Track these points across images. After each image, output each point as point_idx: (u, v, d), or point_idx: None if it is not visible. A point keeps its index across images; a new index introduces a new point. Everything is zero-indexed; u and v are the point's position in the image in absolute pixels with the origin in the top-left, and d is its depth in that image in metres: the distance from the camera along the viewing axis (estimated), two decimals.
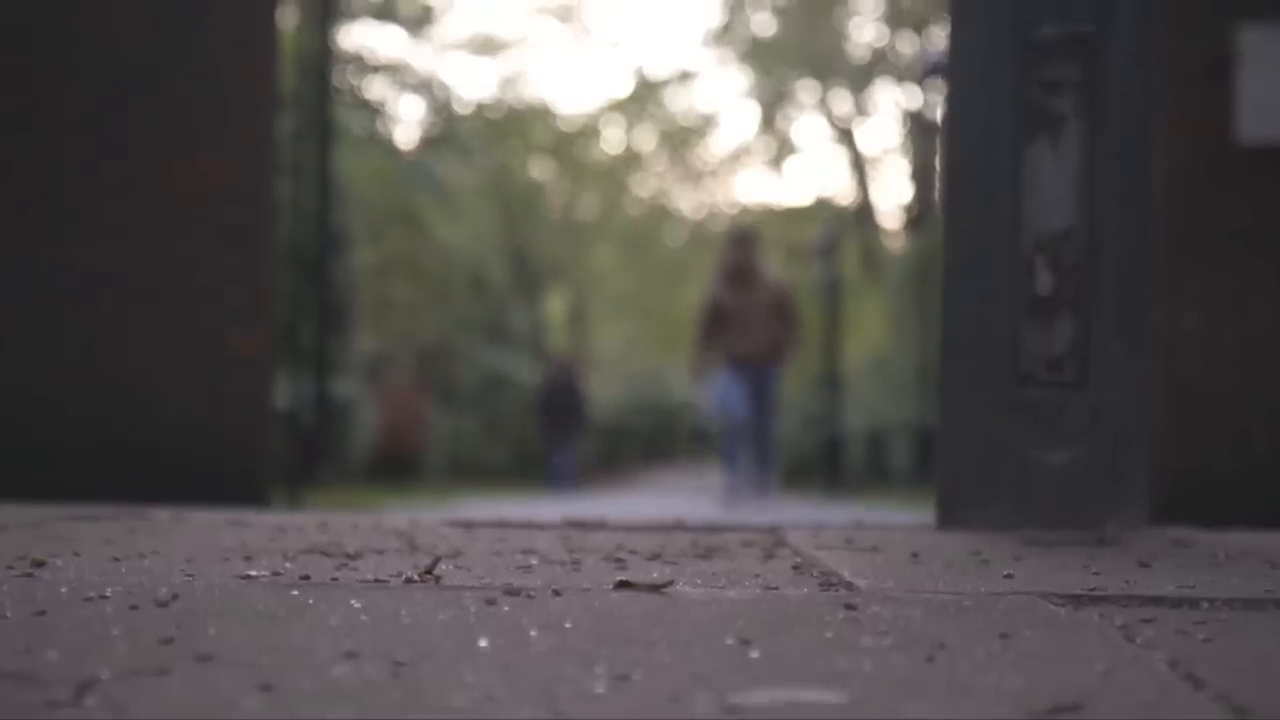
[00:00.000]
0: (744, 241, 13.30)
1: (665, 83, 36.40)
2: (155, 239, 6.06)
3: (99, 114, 6.08)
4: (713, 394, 13.38)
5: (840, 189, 35.14)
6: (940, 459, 3.79)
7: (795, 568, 2.72)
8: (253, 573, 2.45)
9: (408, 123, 31.08)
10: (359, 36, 27.26)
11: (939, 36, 25.03)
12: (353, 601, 2.04)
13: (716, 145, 42.44)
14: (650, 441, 36.04)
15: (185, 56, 6.09)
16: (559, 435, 21.93)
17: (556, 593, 2.19)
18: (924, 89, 28.26)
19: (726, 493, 12.67)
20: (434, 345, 22.94)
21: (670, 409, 35.86)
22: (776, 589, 2.35)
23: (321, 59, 9.23)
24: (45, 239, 6.05)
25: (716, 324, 12.99)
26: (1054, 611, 2.10)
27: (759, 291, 12.95)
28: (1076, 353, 3.70)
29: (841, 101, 32.97)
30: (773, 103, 33.87)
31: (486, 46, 34.01)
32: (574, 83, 50.18)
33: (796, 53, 32.01)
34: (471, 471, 21.17)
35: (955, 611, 2.06)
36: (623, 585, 2.30)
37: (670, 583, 2.34)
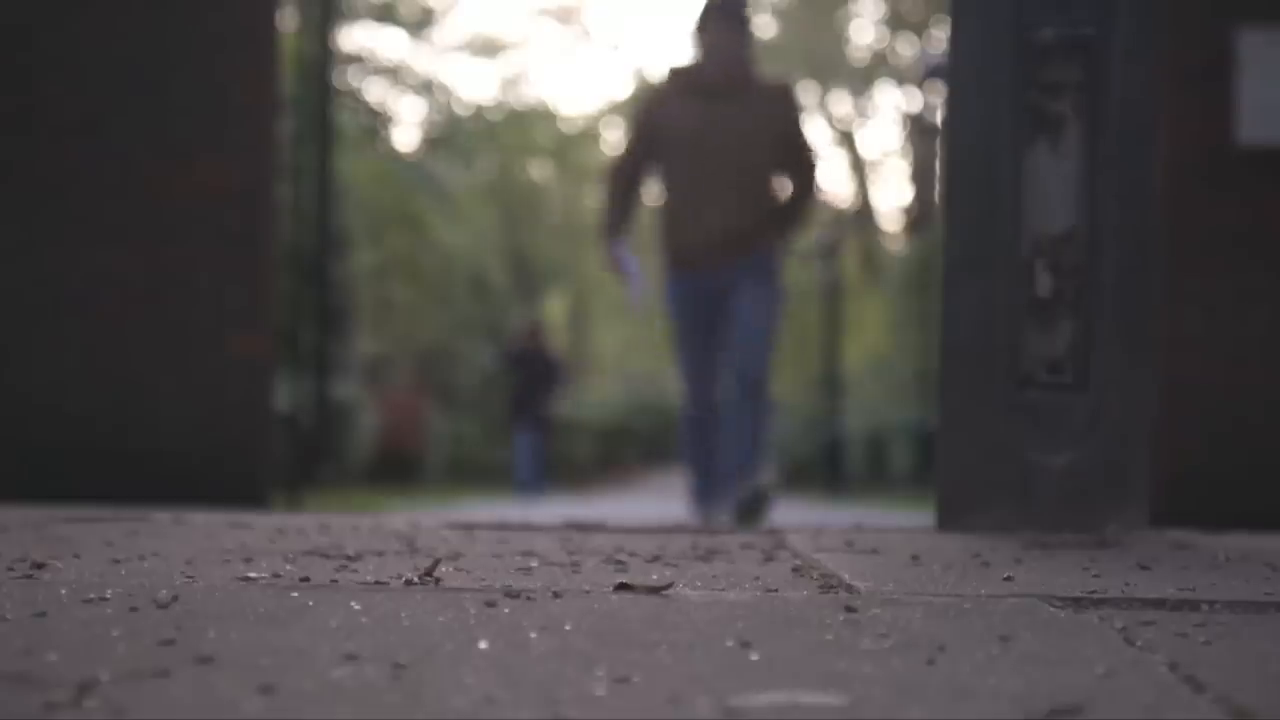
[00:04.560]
0: (727, 17, 6.96)
1: None
2: (156, 241, 6.06)
3: (100, 116, 6.08)
4: (641, 288, 7.36)
5: (840, 191, 35.19)
6: (940, 461, 3.79)
7: (795, 570, 2.72)
8: (253, 575, 2.45)
9: (408, 125, 31.15)
10: (359, 38, 27.27)
11: (939, 39, 25.05)
12: (353, 603, 2.04)
13: None
14: (650, 443, 36.07)
15: (186, 59, 6.10)
16: (527, 415, 18.44)
17: (556, 595, 2.19)
18: (924, 91, 28.30)
19: (695, 501, 7.23)
20: (434, 347, 22.95)
21: (670, 410, 35.86)
22: (776, 591, 2.35)
23: (322, 61, 9.24)
24: (46, 241, 6.05)
25: (644, 169, 7.13)
26: (1054, 614, 2.10)
27: (747, 109, 6.94)
28: (1077, 355, 3.70)
29: (841, 104, 33.00)
30: None
31: (487, 48, 34.05)
32: (575, 85, 50.21)
33: (796, 55, 32.04)
34: (471, 473, 21.18)
35: (955, 614, 2.06)
36: (623, 587, 2.30)
37: (670, 585, 2.34)
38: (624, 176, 7.20)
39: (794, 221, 7.21)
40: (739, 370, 6.94)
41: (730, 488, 6.86)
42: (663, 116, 7.05)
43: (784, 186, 7.12)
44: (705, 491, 7.12)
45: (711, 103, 6.94)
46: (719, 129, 6.92)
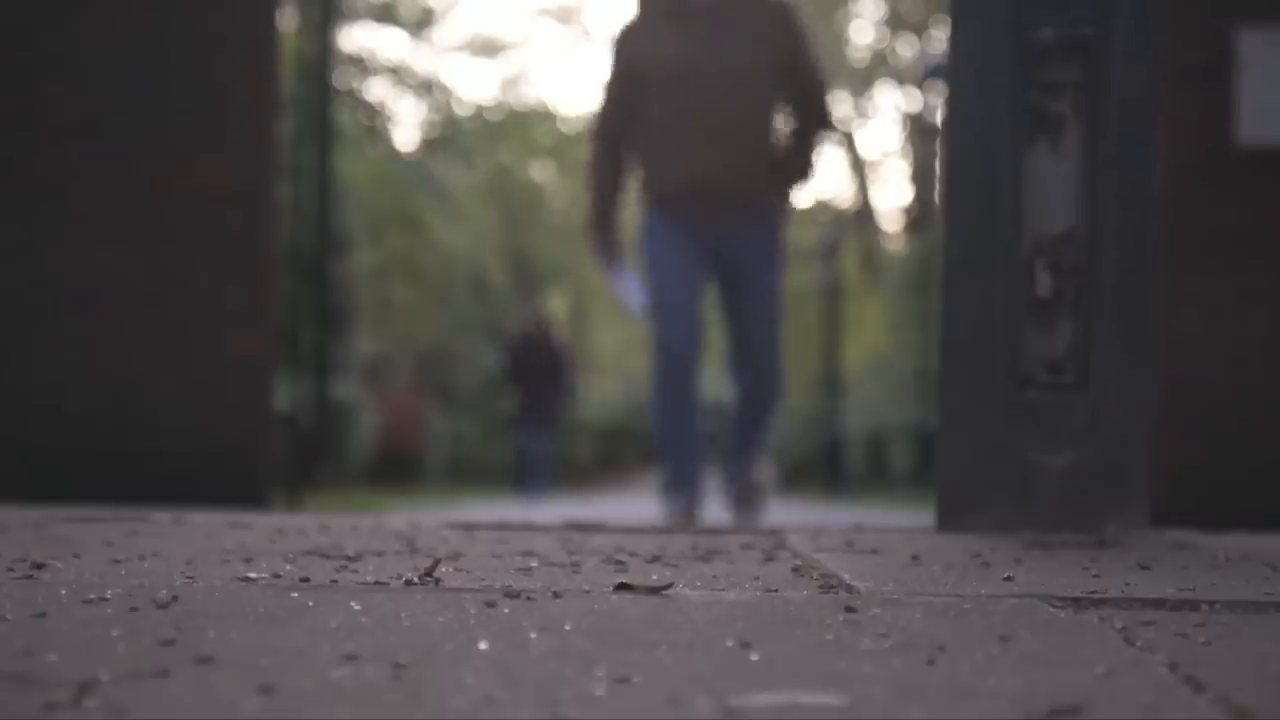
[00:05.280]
0: None
1: None
2: (156, 241, 6.06)
3: (100, 116, 6.08)
4: (641, 287, 6.32)
5: (840, 191, 35.20)
6: (940, 461, 3.79)
7: (795, 570, 2.72)
8: (253, 575, 2.45)
9: (408, 124, 31.16)
10: (359, 38, 27.27)
11: (939, 39, 25.05)
12: (353, 603, 2.04)
13: None
14: (650, 443, 36.04)
15: (186, 59, 6.10)
16: (532, 414, 17.00)
17: (556, 595, 2.19)
18: (924, 91, 28.30)
19: (668, 501, 6.18)
20: (434, 347, 22.96)
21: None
22: (776, 591, 2.35)
23: (322, 61, 9.24)
24: (46, 241, 6.06)
25: (631, 119, 6.12)
26: (1054, 614, 2.10)
27: (738, 31, 6.04)
28: (1077, 355, 3.71)
29: (841, 104, 32.99)
30: None
31: (487, 48, 34.05)
32: (575, 84, 50.18)
33: None
34: (471, 473, 21.18)
35: (955, 614, 2.06)
36: (622, 587, 2.30)
37: (670, 585, 2.34)
38: (610, 136, 6.16)
39: (802, 167, 6.17)
40: (742, 363, 6.15)
41: (729, 475, 6.24)
42: (640, 48, 6.06)
43: (789, 123, 6.17)
44: (681, 479, 6.07)
45: (694, 26, 5.97)
46: (706, 56, 5.94)
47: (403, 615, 1.94)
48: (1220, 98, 5.85)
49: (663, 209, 6.09)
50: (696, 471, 6.14)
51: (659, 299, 6.07)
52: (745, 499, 6.27)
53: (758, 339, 6.13)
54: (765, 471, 6.58)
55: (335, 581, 2.37)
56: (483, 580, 2.42)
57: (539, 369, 17.26)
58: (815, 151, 6.23)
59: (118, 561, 2.65)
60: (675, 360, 6.04)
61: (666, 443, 6.20)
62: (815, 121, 6.18)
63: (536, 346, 17.58)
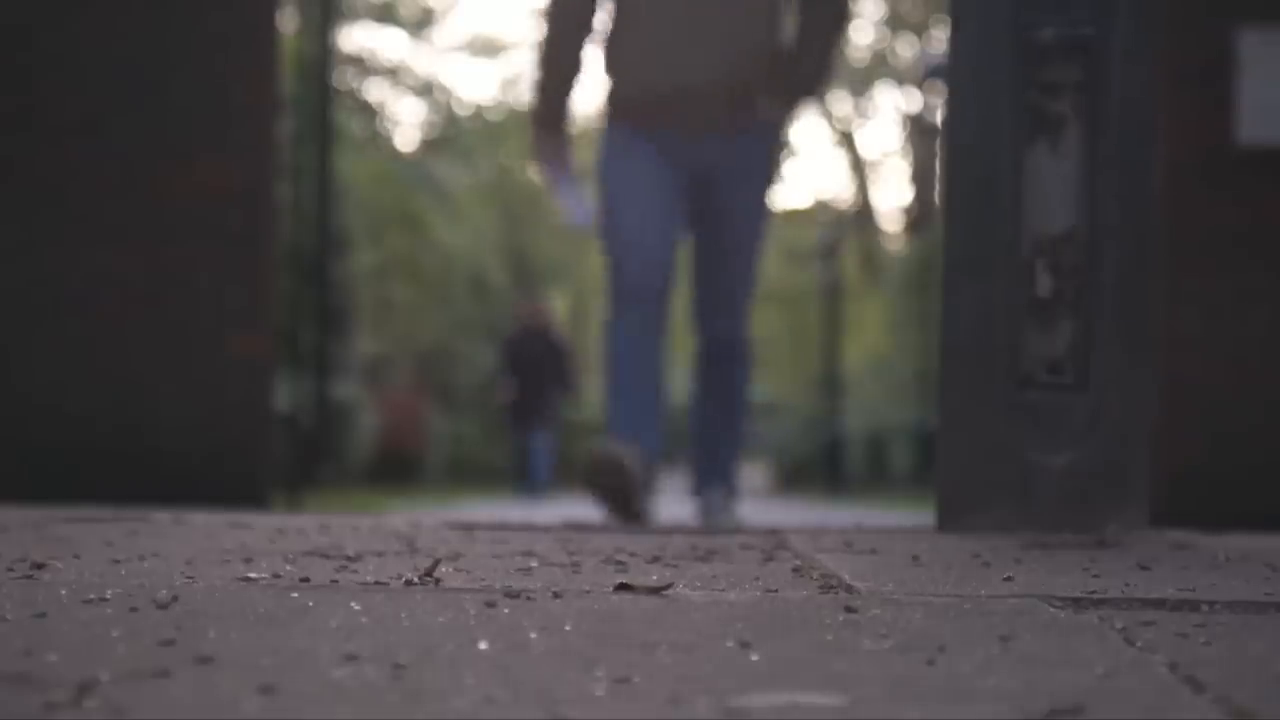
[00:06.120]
0: None
1: None
2: (156, 241, 6.06)
3: (100, 116, 6.08)
4: (586, 199, 5.29)
5: (840, 191, 35.18)
6: (940, 461, 3.79)
7: (795, 570, 2.72)
8: (253, 575, 2.45)
9: (408, 125, 31.15)
10: (359, 38, 27.27)
11: (939, 39, 25.06)
12: (353, 604, 2.04)
13: None
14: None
15: (186, 59, 6.10)
16: (531, 410, 16.27)
17: (556, 595, 2.19)
18: (924, 91, 28.31)
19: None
20: (434, 347, 22.95)
21: (669, 410, 35.71)
22: (777, 591, 2.35)
23: (322, 61, 9.24)
24: (46, 241, 6.06)
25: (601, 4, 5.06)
26: (1054, 614, 2.10)
27: None
28: (1077, 355, 3.71)
29: (841, 104, 33.00)
30: None
31: (487, 48, 34.05)
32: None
33: None
34: (471, 473, 21.18)
35: (955, 614, 2.06)
36: (622, 588, 2.30)
37: (670, 585, 2.34)
38: (572, 11, 5.04)
39: (810, 72, 5.08)
40: (711, 310, 5.13)
41: (706, 490, 5.30)
42: None
43: (797, 19, 5.08)
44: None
45: None
46: None
47: (403, 615, 1.94)
48: (1220, 98, 5.85)
49: (632, 122, 5.04)
50: (652, 461, 5.03)
51: (616, 219, 4.98)
52: (719, 511, 5.27)
53: (732, 300, 5.15)
54: (742, 477, 5.69)
55: (335, 581, 2.37)
56: (483, 580, 2.42)
57: (538, 363, 16.31)
58: (827, 52, 5.12)
59: (118, 561, 2.65)
60: (635, 294, 4.96)
61: (620, 406, 5.08)
62: (826, 18, 5.12)
63: (535, 340, 16.62)
